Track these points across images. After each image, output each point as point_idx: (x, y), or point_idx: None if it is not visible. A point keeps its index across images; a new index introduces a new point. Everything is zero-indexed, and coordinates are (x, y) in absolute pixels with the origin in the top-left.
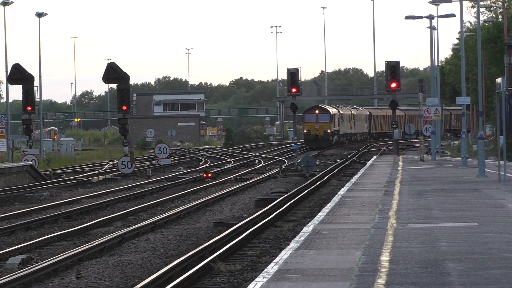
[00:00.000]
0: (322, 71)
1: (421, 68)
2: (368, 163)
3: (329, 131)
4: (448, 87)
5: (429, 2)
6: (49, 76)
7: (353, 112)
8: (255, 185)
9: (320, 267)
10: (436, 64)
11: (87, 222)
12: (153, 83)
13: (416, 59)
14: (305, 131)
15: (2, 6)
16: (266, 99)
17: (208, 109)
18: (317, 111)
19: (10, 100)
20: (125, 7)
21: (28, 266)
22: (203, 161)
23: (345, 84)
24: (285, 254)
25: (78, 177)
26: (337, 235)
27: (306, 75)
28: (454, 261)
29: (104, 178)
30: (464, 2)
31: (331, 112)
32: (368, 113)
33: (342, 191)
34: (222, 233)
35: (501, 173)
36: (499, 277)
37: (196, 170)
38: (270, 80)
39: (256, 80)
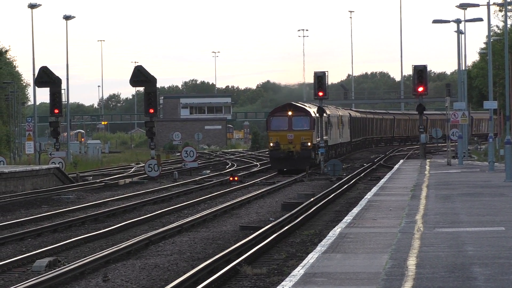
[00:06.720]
0: (349, 75)
1: (448, 72)
2: (395, 167)
3: (309, 143)
4: (475, 91)
5: (456, 6)
6: (76, 79)
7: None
8: (282, 189)
9: (347, 271)
10: (463, 68)
11: (114, 225)
12: (180, 86)
13: (443, 63)
14: (271, 144)
15: (29, 8)
16: None
17: (235, 113)
18: (290, 113)
19: (38, 103)
20: (152, 10)
21: (55, 269)
22: (230, 164)
23: (372, 87)
24: (311, 257)
25: (105, 180)
26: (363, 239)
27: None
28: (481, 265)
29: (130, 181)
30: (491, 6)
31: (313, 114)
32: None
33: (368, 195)
34: (248, 236)
35: None
36: None
37: (223, 173)
38: (296, 83)
39: (283, 83)
